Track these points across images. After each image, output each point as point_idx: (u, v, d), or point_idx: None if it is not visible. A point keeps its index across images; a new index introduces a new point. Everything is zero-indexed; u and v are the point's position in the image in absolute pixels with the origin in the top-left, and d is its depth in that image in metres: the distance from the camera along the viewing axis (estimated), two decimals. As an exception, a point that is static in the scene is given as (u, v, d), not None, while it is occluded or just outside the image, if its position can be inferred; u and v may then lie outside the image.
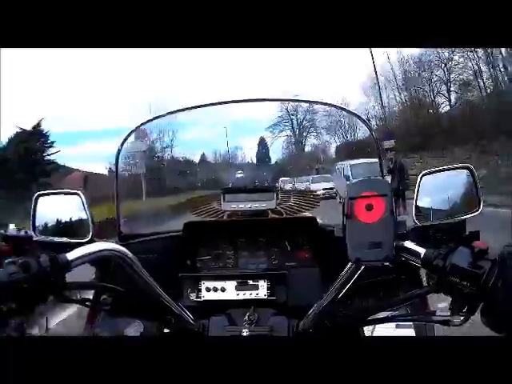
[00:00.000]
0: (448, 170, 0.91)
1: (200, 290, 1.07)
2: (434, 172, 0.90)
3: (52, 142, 18.83)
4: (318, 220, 1.17)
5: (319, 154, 32.18)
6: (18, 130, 17.86)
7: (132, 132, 1.15)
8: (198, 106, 1.14)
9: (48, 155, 18.73)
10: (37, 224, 0.99)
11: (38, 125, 18.35)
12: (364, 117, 1.47)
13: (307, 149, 33.46)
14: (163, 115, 1.15)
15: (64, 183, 17.24)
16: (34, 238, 0.71)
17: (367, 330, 1.00)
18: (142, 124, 1.16)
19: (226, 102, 1.10)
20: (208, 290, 1.06)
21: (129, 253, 0.81)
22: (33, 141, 17.92)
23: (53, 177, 17.54)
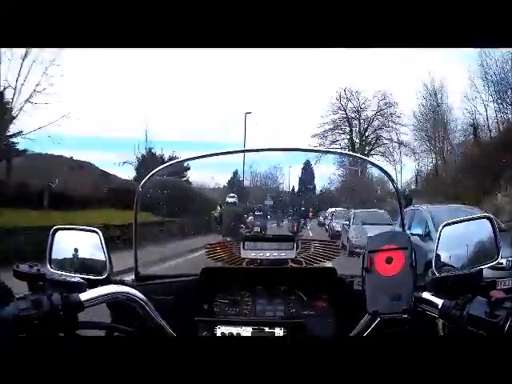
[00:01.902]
0: (469, 220, 0.92)
1: (215, 335, 1.05)
2: (455, 223, 0.90)
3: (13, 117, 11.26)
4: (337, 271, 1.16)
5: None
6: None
7: (152, 175, 1.17)
8: (216, 154, 1.18)
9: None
10: (52, 258, 0.99)
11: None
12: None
13: (371, 171, 21.91)
14: (185, 160, 1.19)
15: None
16: (48, 276, 0.72)
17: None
18: (162, 168, 1.18)
19: (249, 150, 1.13)
20: (223, 335, 1.05)
21: (142, 296, 0.81)
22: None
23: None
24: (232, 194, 6.60)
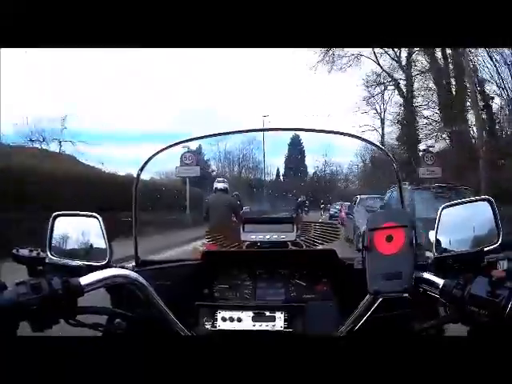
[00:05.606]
0: (469, 202, 0.91)
1: (216, 320, 1.05)
2: (454, 204, 0.90)
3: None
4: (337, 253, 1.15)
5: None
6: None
7: (150, 159, 1.13)
8: (225, 134, 1.19)
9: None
10: (52, 244, 0.99)
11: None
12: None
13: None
14: (185, 141, 1.15)
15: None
16: (48, 260, 0.72)
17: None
18: (161, 150, 1.15)
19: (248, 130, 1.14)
20: (224, 319, 1.05)
21: (143, 280, 0.81)
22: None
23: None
24: (221, 179, 5.16)
